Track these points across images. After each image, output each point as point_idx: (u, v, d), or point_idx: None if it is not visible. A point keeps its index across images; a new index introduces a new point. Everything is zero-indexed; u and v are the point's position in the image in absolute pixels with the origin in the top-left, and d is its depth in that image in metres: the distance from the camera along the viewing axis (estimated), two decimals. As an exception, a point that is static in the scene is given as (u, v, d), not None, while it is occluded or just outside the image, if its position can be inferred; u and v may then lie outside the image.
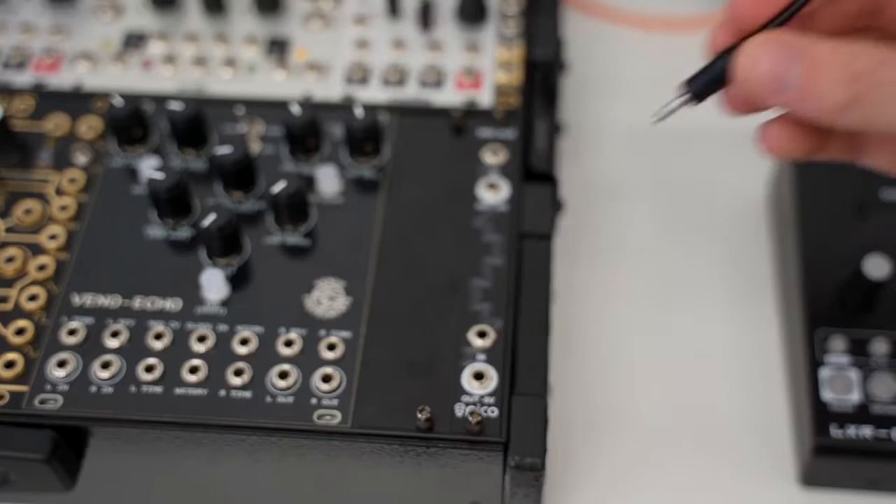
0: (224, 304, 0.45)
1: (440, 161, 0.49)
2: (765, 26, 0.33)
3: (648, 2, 0.67)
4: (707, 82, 0.35)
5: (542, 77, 0.53)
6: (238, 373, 0.43)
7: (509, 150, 0.49)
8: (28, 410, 0.42)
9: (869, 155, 0.38)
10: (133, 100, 0.49)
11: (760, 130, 0.36)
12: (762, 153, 0.36)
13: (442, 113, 0.51)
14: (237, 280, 0.46)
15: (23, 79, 0.54)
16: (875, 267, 0.47)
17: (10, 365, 0.43)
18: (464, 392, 0.42)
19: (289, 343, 0.44)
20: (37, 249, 0.47)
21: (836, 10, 0.35)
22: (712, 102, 0.38)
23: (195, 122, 0.49)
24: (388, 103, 0.52)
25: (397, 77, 0.53)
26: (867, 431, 0.45)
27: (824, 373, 0.47)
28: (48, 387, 0.43)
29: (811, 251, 0.50)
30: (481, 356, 0.43)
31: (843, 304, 0.48)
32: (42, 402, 0.42)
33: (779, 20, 0.33)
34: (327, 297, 0.45)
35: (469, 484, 0.43)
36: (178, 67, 0.54)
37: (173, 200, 0.46)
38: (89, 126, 0.51)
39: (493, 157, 0.49)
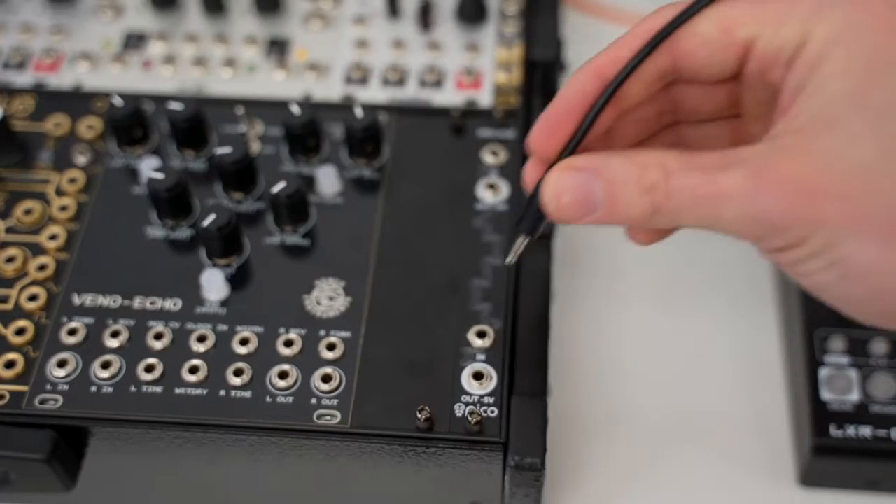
0: (224, 304, 0.45)
1: (440, 161, 0.49)
2: (562, 154, 0.34)
3: (648, 2, 0.67)
4: (533, 219, 0.37)
5: (542, 77, 0.53)
6: (238, 373, 0.43)
7: (509, 150, 0.50)
8: (28, 410, 0.42)
9: None
10: (133, 100, 0.49)
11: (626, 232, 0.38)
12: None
13: (442, 113, 0.51)
14: (237, 280, 0.46)
15: (23, 79, 0.54)
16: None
17: (10, 365, 0.43)
18: (463, 392, 0.42)
19: (289, 343, 0.44)
20: (37, 249, 0.47)
21: (635, 119, 0.36)
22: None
23: (195, 122, 0.49)
24: (388, 103, 0.52)
25: (397, 77, 0.53)
26: (866, 431, 0.46)
27: (824, 373, 0.47)
28: (48, 387, 0.43)
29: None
30: (481, 356, 0.43)
31: (842, 304, 0.48)
32: (42, 401, 0.42)
33: (571, 146, 0.33)
34: (327, 297, 0.45)
35: (469, 484, 0.43)
36: (178, 67, 0.54)
37: (173, 200, 0.47)
38: (89, 126, 0.51)
39: (493, 157, 0.49)
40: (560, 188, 0.33)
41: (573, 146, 0.33)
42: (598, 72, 0.33)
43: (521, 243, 0.38)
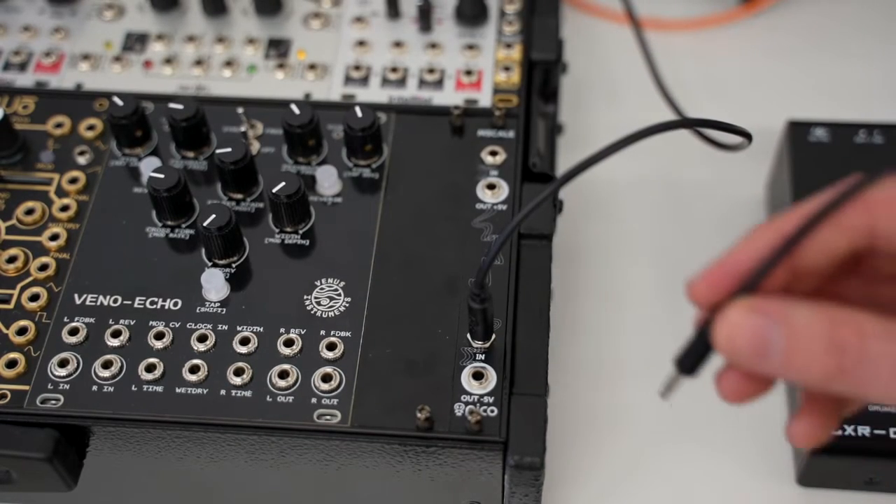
0: (224, 304, 0.45)
1: (440, 161, 0.50)
2: (740, 291, 0.31)
3: (648, 2, 0.67)
4: (695, 356, 0.34)
5: (541, 77, 0.53)
6: (238, 372, 0.43)
7: (509, 150, 0.50)
8: (29, 410, 0.42)
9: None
10: (133, 100, 0.49)
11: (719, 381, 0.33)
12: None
13: (442, 113, 0.51)
14: (237, 280, 0.46)
15: (24, 79, 0.54)
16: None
17: (11, 364, 0.43)
18: (463, 391, 0.42)
19: (289, 343, 0.44)
20: (38, 249, 0.47)
21: (821, 256, 0.32)
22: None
23: (195, 122, 0.49)
24: (388, 103, 0.52)
25: (397, 77, 0.53)
26: (865, 430, 0.46)
27: (823, 372, 0.47)
28: (49, 386, 0.43)
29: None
30: (481, 356, 0.43)
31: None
32: (43, 401, 0.42)
33: (751, 283, 0.30)
34: (327, 297, 0.45)
35: (469, 483, 0.43)
36: (179, 68, 0.55)
37: (173, 200, 0.47)
38: (90, 126, 0.51)
39: (492, 157, 0.49)
40: (735, 328, 0.30)
41: (753, 284, 0.30)
42: (779, 231, 0.30)
43: (677, 380, 0.36)
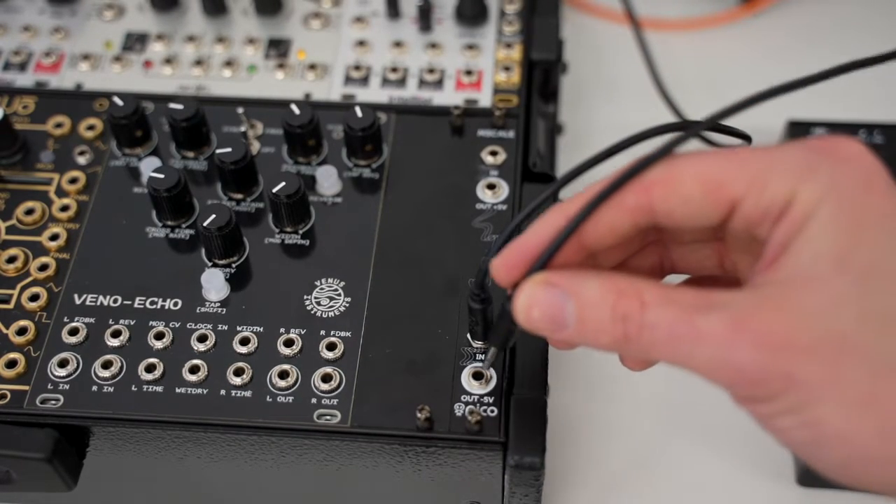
0: (224, 304, 0.45)
1: (440, 161, 0.50)
2: (534, 268, 0.33)
3: (648, 2, 0.67)
4: (503, 332, 0.38)
5: (541, 77, 0.53)
6: (238, 372, 0.43)
7: (509, 150, 0.50)
8: (29, 410, 0.42)
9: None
10: (133, 100, 0.49)
11: None
12: None
13: (442, 113, 0.51)
14: (237, 280, 0.46)
15: (24, 79, 0.54)
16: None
17: (11, 364, 0.43)
18: (463, 391, 0.42)
19: (289, 343, 0.44)
20: (38, 249, 0.47)
21: (609, 234, 0.34)
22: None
23: (195, 122, 0.49)
24: (388, 103, 0.52)
25: (397, 77, 0.53)
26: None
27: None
28: (49, 386, 0.43)
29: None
30: (481, 356, 0.43)
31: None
32: (43, 401, 0.42)
33: (541, 262, 0.33)
34: (327, 297, 0.45)
35: (469, 483, 0.43)
36: (179, 68, 0.55)
37: (173, 200, 0.47)
38: (90, 126, 0.51)
39: (492, 157, 0.49)
40: (531, 301, 0.32)
41: (542, 263, 0.33)
42: (566, 214, 0.33)
43: (493, 355, 0.40)
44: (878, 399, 0.29)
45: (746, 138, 0.37)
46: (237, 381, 0.43)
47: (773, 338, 0.29)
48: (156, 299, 0.45)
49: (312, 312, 0.45)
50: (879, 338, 0.29)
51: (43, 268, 0.46)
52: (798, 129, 0.54)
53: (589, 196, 0.32)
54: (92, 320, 0.45)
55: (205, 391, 0.43)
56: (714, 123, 0.33)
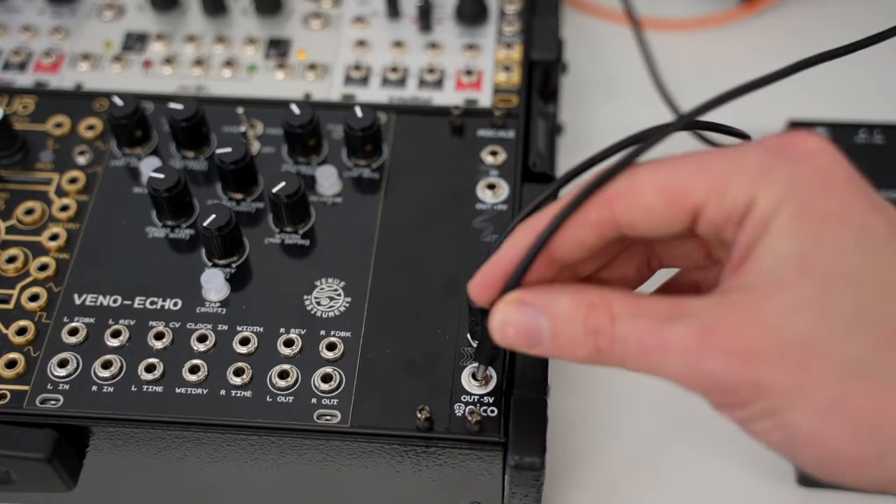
0: (224, 304, 0.45)
1: (440, 161, 0.50)
2: (505, 289, 0.33)
3: (648, 2, 0.67)
4: (486, 350, 0.39)
5: (541, 77, 0.53)
6: (238, 372, 0.43)
7: (509, 150, 0.50)
8: (29, 410, 0.42)
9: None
10: (133, 100, 0.49)
11: None
12: None
13: (442, 113, 0.51)
14: (237, 280, 0.46)
15: (24, 79, 0.54)
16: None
17: (11, 364, 0.43)
18: (463, 392, 0.42)
19: (289, 343, 0.44)
20: (38, 249, 0.47)
21: (577, 248, 0.34)
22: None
23: (195, 122, 0.49)
24: (388, 103, 0.52)
25: (397, 77, 0.53)
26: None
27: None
28: (49, 386, 0.43)
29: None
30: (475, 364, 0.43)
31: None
32: (43, 401, 0.42)
33: (513, 281, 0.33)
34: (327, 297, 0.45)
35: (469, 484, 0.43)
36: (178, 68, 0.54)
37: (173, 200, 0.47)
38: (90, 126, 0.51)
39: (492, 157, 0.49)
40: (505, 321, 0.33)
41: (514, 282, 0.33)
42: (534, 230, 0.33)
43: (482, 371, 0.42)
44: (845, 402, 0.29)
45: (744, 137, 0.37)
46: (237, 381, 0.43)
47: (741, 346, 0.29)
48: (156, 299, 0.45)
49: (312, 312, 0.45)
50: (843, 341, 0.29)
51: (43, 268, 0.46)
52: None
53: (552, 213, 0.32)
54: (92, 320, 0.45)
55: (205, 391, 0.43)
56: (712, 123, 0.33)
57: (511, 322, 0.33)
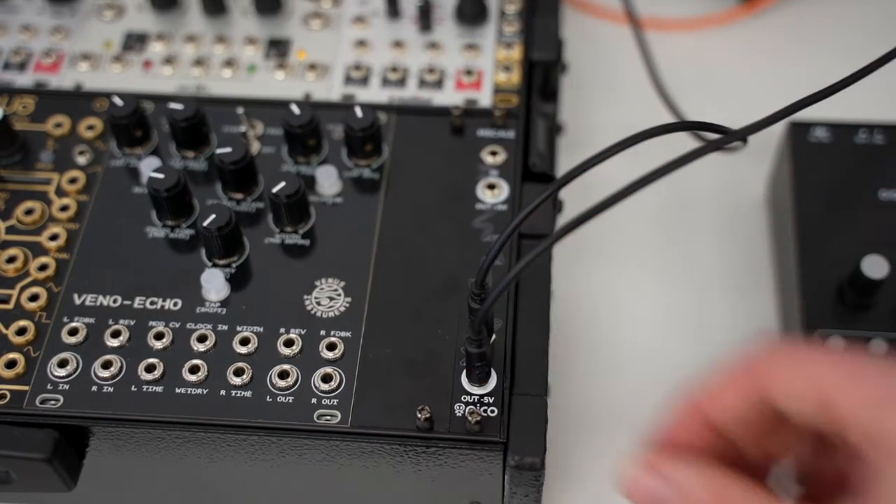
0: (224, 304, 0.45)
1: (440, 161, 0.50)
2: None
3: (648, 2, 0.67)
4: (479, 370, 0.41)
5: (541, 77, 0.53)
6: (238, 372, 0.43)
7: (509, 150, 0.50)
8: (29, 410, 0.42)
9: None
10: (133, 100, 0.49)
11: None
12: None
13: (442, 113, 0.51)
14: (237, 280, 0.46)
15: (23, 79, 0.54)
16: (873, 267, 0.47)
17: (11, 364, 0.43)
18: (463, 392, 0.42)
19: (289, 343, 0.44)
20: (38, 249, 0.47)
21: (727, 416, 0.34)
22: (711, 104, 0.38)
23: (195, 122, 0.49)
24: (388, 103, 0.52)
25: (397, 77, 0.53)
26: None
27: (823, 373, 0.47)
28: (49, 386, 0.43)
29: (810, 251, 0.50)
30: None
31: (841, 304, 0.49)
32: (43, 401, 0.42)
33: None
34: (327, 297, 0.45)
35: (469, 484, 0.43)
36: (178, 68, 0.54)
37: (173, 200, 0.47)
38: (90, 126, 0.51)
39: (492, 157, 0.49)
40: (633, 482, 0.33)
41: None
42: (698, 408, 0.33)
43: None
44: None
45: (741, 138, 0.37)
46: (237, 381, 0.43)
47: None
48: (156, 299, 0.45)
49: (312, 312, 0.45)
50: None
51: (43, 268, 0.46)
52: (798, 130, 0.54)
53: (727, 395, 0.33)
54: (92, 320, 0.45)
55: (205, 391, 0.43)
56: (709, 123, 0.33)
57: (638, 485, 0.33)
